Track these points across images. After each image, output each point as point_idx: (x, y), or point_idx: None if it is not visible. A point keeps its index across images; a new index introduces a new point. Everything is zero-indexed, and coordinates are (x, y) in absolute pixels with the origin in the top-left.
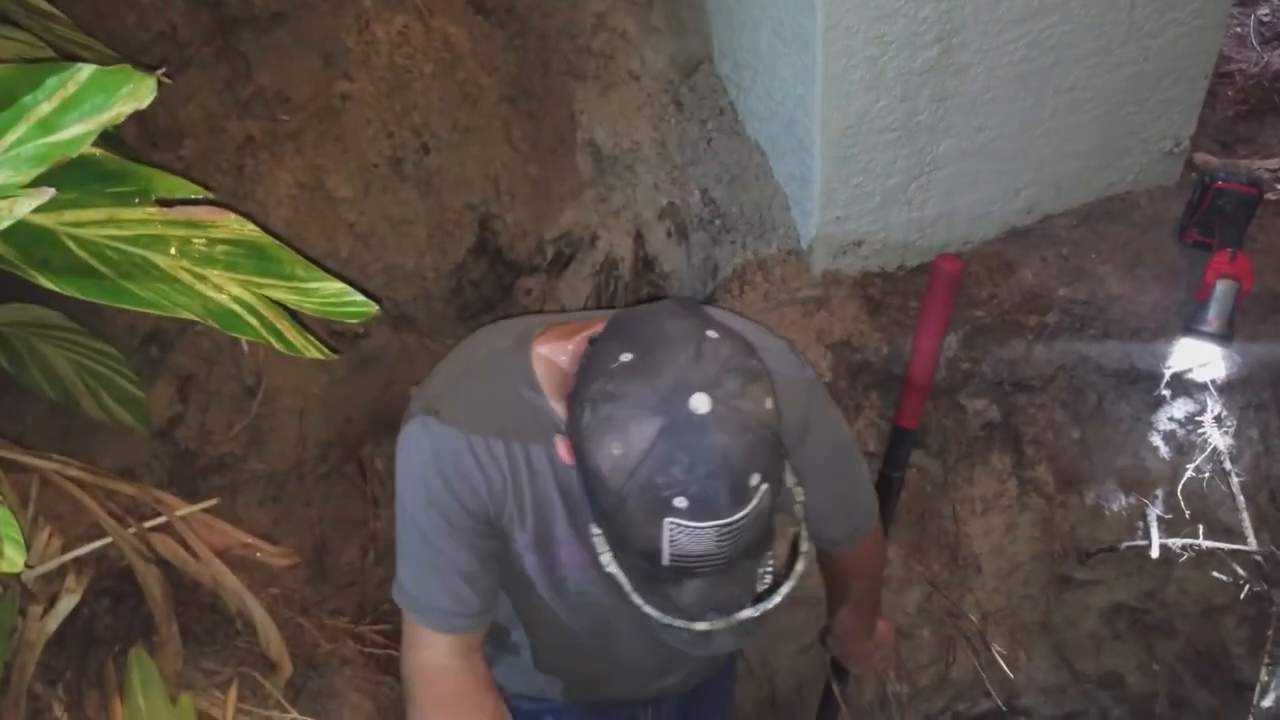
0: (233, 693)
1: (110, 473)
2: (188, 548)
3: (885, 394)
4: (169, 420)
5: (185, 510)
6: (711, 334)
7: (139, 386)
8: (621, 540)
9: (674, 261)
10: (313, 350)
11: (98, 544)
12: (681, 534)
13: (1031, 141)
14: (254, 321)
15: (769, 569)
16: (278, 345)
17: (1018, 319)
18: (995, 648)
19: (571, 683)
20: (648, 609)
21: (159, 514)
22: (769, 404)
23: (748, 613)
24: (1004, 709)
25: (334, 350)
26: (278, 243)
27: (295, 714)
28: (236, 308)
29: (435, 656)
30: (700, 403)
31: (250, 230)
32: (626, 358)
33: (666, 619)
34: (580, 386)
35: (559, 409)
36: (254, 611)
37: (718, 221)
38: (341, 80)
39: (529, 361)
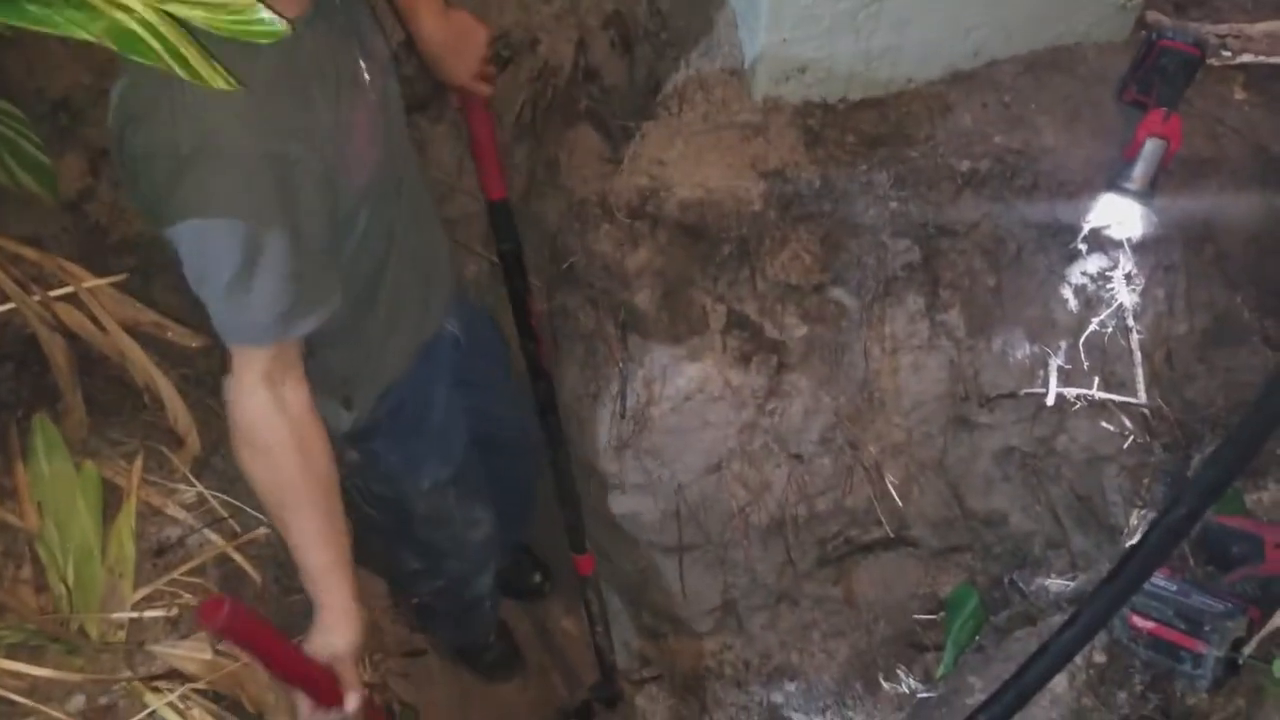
0: (138, 463)
1: (15, 239)
2: (95, 321)
3: (813, 228)
4: (79, 193)
5: (92, 283)
6: None
7: (45, 153)
8: None
9: (615, 74)
10: (219, 80)
11: (0, 309)
12: None
13: None
14: (155, 44)
15: None
16: (181, 71)
17: (950, 163)
18: (890, 479)
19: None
20: None
21: (66, 285)
22: None
23: None
24: (892, 537)
25: (240, 82)
26: None
27: (201, 487)
28: (136, 27)
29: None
30: None
31: None
32: None
33: None
34: None
35: None
36: (161, 386)
37: (663, 35)
38: None
39: None
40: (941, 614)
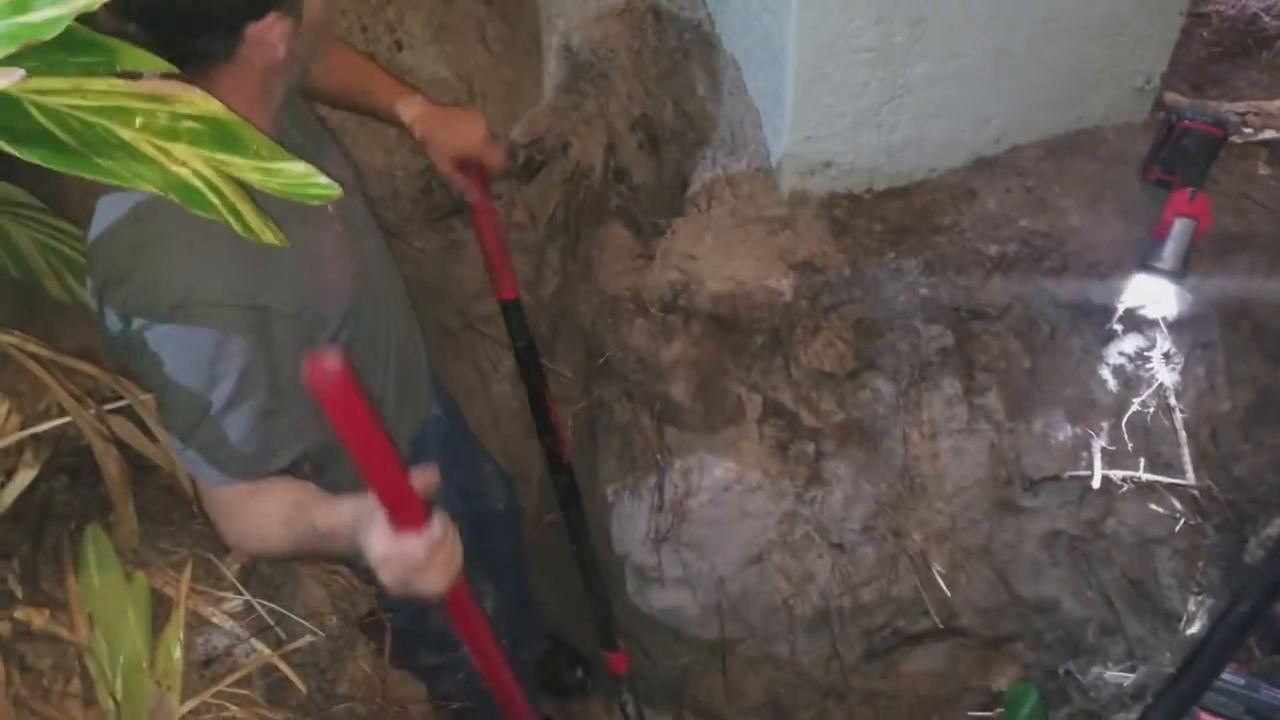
0: (187, 572)
1: (72, 354)
2: (147, 431)
3: (845, 316)
4: None
5: (146, 395)
6: None
7: None
8: None
9: (644, 174)
10: (269, 235)
11: (57, 422)
12: None
13: (1005, 71)
14: (214, 199)
15: None
16: (236, 226)
17: (978, 247)
18: (936, 568)
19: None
20: None
21: (119, 397)
22: None
23: None
24: (941, 627)
25: (289, 238)
26: (243, 120)
27: (248, 595)
28: (198, 183)
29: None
30: None
31: (216, 106)
32: None
33: None
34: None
35: None
36: None
37: (690, 135)
38: None
39: None
40: (998, 710)
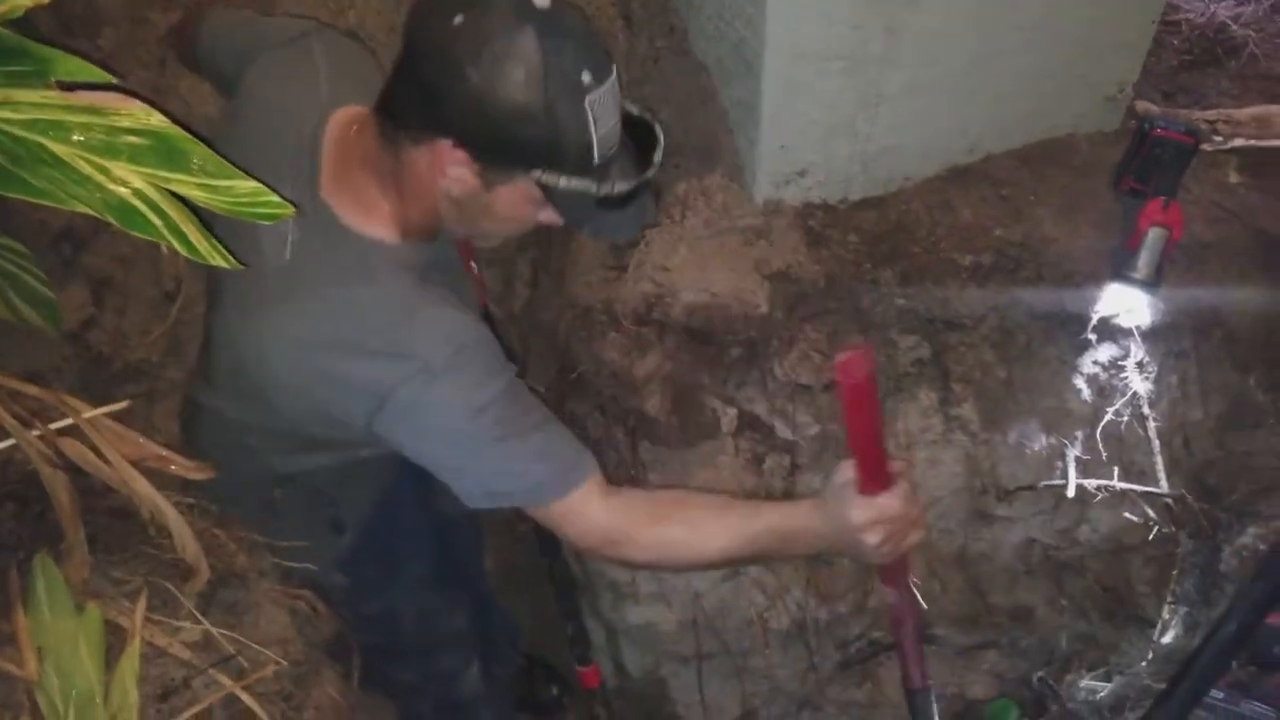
0: (141, 602)
1: (16, 375)
2: (98, 453)
3: (820, 327)
4: (82, 323)
5: (92, 413)
6: None
7: (48, 286)
8: (561, 156)
9: None
10: (216, 257)
11: (0, 446)
12: (599, 107)
13: (979, 80)
14: (156, 220)
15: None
16: (180, 248)
17: (953, 258)
18: (912, 577)
19: None
20: (601, 219)
21: (67, 419)
22: None
23: (657, 156)
24: None
25: (241, 261)
26: (188, 135)
27: (207, 624)
28: (138, 203)
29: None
30: (540, 0)
31: (157, 120)
32: (459, 20)
33: (613, 216)
34: (442, 69)
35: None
36: (168, 515)
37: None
38: None
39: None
40: None
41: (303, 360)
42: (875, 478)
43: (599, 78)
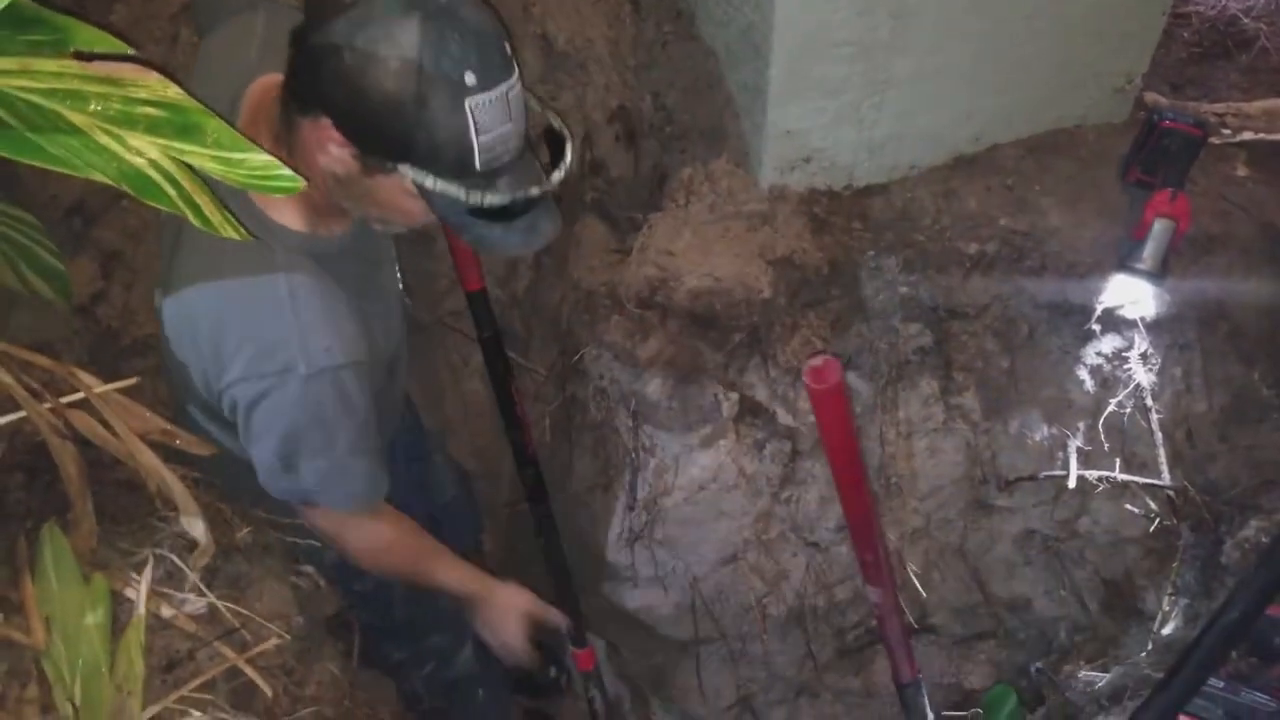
0: (147, 573)
1: (26, 346)
2: (106, 426)
3: (823, 313)
4: (91, 297)
5: (103, 388)
6: None
7: (59, 259)
8: (433, 155)
9: (621, 167)
10: (229, 229)
11: (10, 418)
12: (482, 111)
13: (986, 68)
14: (171, 190)
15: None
16: (194, 219)
17: (958, 246)
18: (911, 567)
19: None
20: (478, 230)
21: (76, 391)
22: None
23: (556, 175)
24: (915, 627)
25: (251, 233)
26: (202, 108)
27: (211, 597)
28: (153, 173)
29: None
30: None
31: (174, 92)
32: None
33: (494, 197)
34: (322, 49)
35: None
36: (174, 489)
37: (668, 129)
38: None
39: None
40: (973, 710)
41: (191, 320)
42: (853, 483)
43: (487, 81)
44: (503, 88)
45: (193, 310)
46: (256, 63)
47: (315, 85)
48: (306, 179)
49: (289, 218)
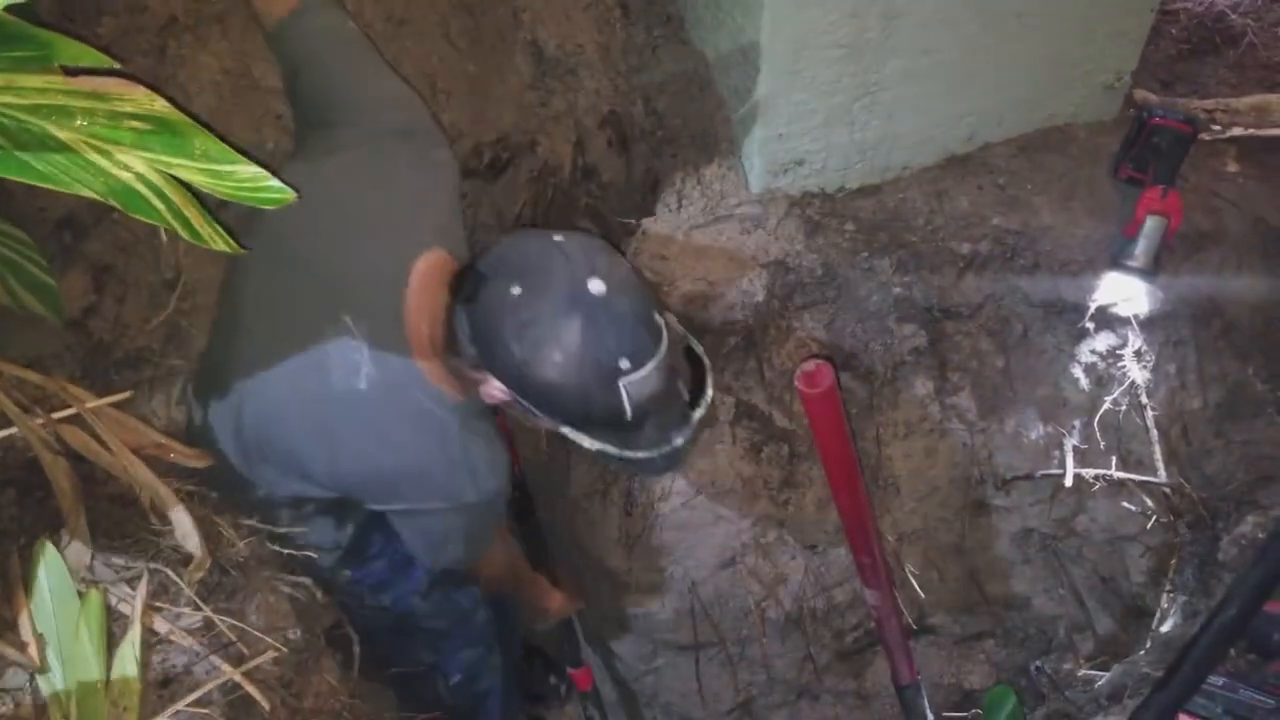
0: (142, 588)
1: (17, 363)
2: (99, 440)
3: (818, 316)
4: (83, 311)
5: (96, 403)
6: (558, 237)
7: (49, 273)
8: (588, 421)
9: (613, 172)
10: (219, 242)
11: (2, 434)
12: (635, 387)
13: (977, 68)
14: (159, 205)
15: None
16: (183, 233)
17: (951, 246)
18: (909, 568)
19: None
20: (631, 454)
21: (68, 406)
22: (623, 258)
23: (698, 414)
24: (914, 627)
25: (242, 246)
26: (190, 120)
27: (208, 611)
28: (141, 188)
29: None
30: (596, 286)
31: (160, 105)
32: (516, 290)
33: (643, 453)
34: (493, 331)
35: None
36: (169, 502)
37: (659, 133)
38: None
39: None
40: (973, 710)
41: (364, 475)
42: (848, 486)
43: (638, 361)
44: (652, 364)
45: (362, 479)
46: (409, 234)
47: (487, 357)
48: (464, 390)
49: (449, 389)
